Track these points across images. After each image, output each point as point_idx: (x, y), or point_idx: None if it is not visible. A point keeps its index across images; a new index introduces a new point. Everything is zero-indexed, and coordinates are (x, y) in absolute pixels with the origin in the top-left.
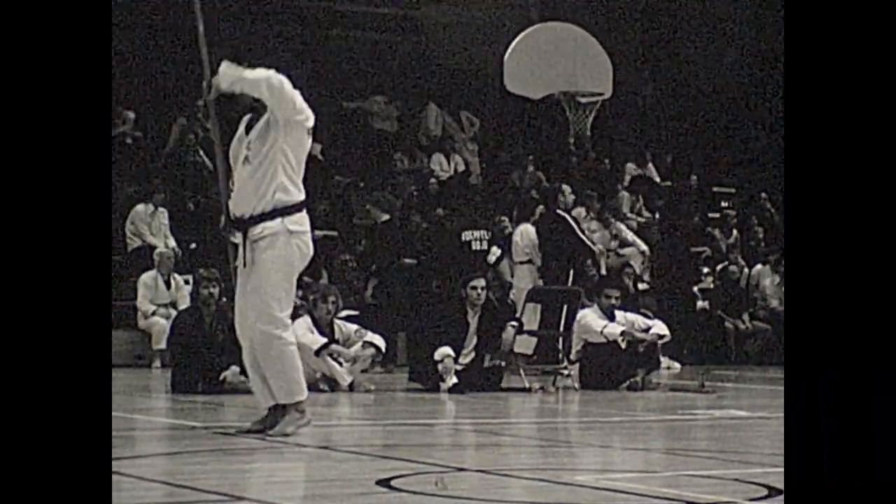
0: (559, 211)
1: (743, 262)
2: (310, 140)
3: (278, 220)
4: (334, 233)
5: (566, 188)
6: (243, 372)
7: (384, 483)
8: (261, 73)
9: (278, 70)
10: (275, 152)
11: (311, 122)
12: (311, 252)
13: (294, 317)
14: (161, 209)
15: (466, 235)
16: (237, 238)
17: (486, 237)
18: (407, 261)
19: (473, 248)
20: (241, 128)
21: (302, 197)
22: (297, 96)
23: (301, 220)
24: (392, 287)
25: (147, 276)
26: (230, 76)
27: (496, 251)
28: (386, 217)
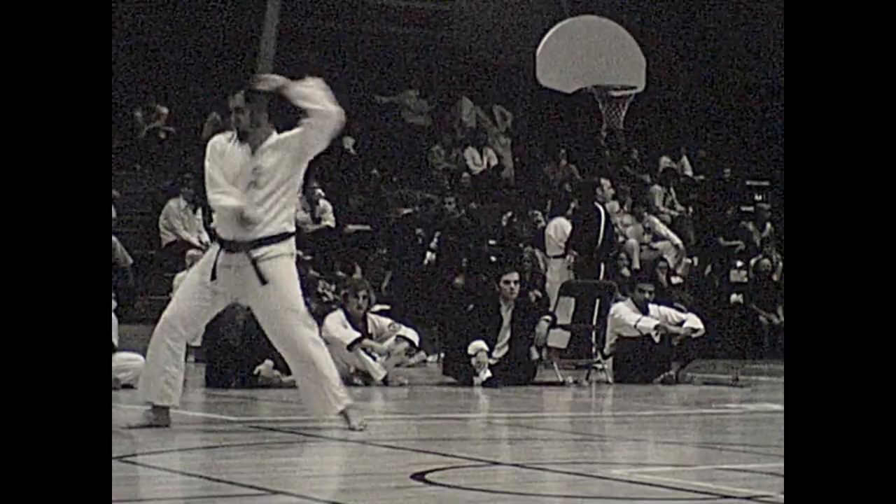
0: (597, 203)
1: (777, 256)
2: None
3: (284, 243)
4: (367, 227)
5: (605, 182)
6: (277, 366)
7: (419, 477)
8: (331, 107)
9: (311, 69)
10: (292, 184)
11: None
12: None
13: (327, 311)
14: (193, 204)
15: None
16: (226, 258)
17: None
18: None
19: None
20: (241, 146)
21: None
22: None
23: (294, 244)
24: (411, 280)
25: (180, 278)
26: (302, 91)
27: None
28: (407, 211)
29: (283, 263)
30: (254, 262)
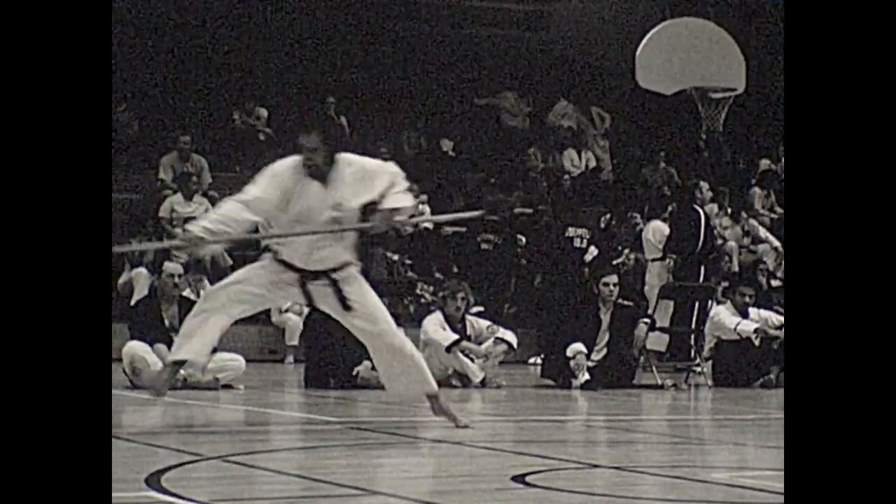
0: (696, 206)
1: None
2: None
3: (353, 266)
4: (463, 229)
5: (703, 185)
6: (375, 367)
7: (519, 479)
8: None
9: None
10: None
11: None
12: None
13: (426, 313)
14: None
15: (570, 232)
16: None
17: (587, 236)
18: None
19: (575, 244)
20: (310, 180)
21: None
22: None
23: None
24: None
25: None
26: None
27: (593, 251)
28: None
29: (361, 283)
30: (332, 283)
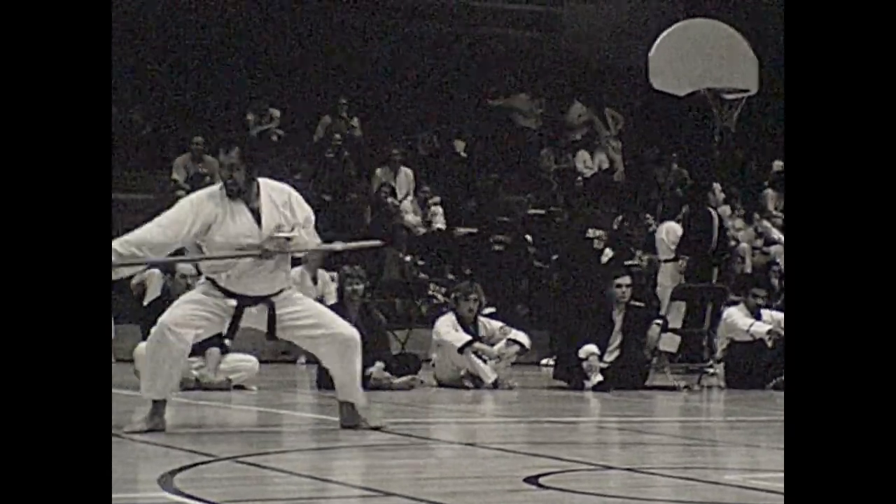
0: (709, 207)
1: None
2: None
3: (289, 289)
4: (475, 230)
5: (717, 186)
6: (387, 368)
7: (532, 480)
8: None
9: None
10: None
11: None
12: None
13: (438, 314)
14: None
15: (590, 233)
16: (254, 310)
17: (605, 237)
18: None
19: (595, 246)
20: (235, 204)
21: None
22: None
23: None
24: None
25: (294, 273)
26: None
27: (609, 253)
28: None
29: (299, 298)
30: (273, 307)
